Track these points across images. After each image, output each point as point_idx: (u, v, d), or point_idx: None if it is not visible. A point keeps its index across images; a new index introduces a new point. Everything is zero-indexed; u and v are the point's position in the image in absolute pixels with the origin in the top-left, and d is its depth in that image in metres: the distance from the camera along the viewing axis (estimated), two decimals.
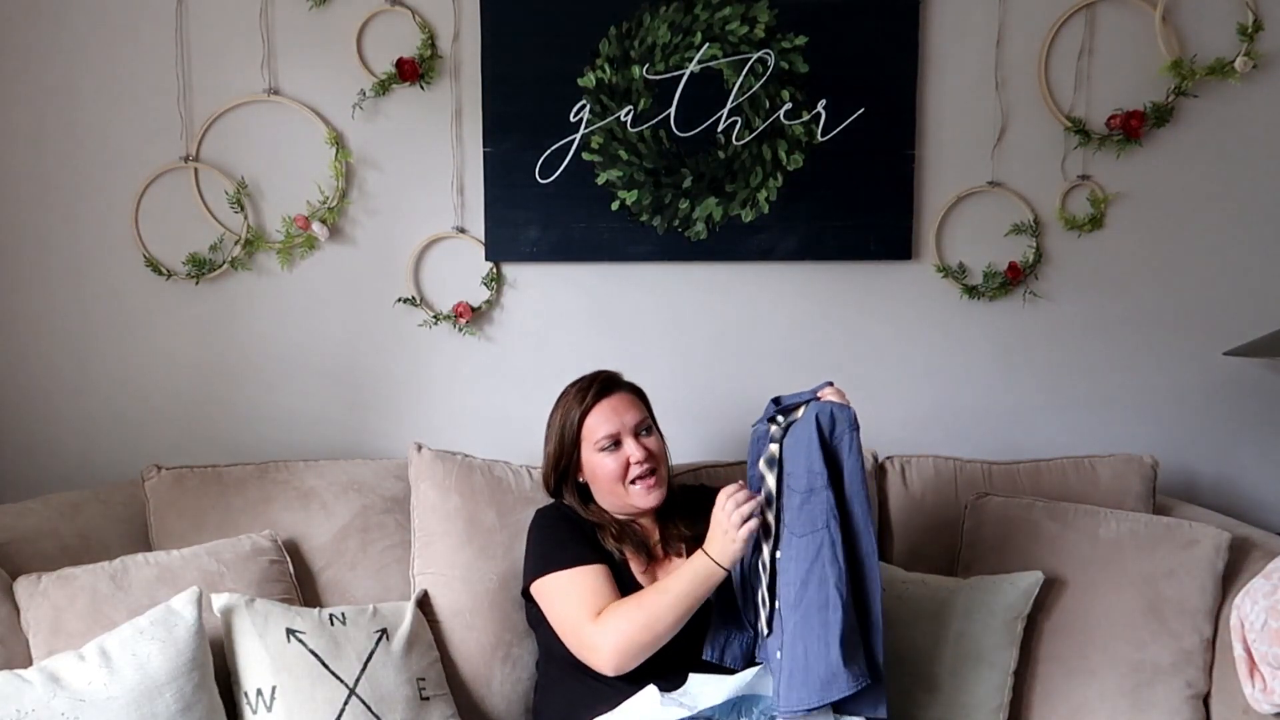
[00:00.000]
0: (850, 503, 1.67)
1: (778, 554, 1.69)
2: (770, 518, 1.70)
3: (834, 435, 1.67)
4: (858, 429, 1.68)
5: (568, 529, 1.92)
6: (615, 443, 1.88)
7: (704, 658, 1.77)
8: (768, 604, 1.71)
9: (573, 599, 1.81)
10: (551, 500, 2.03)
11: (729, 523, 1.67)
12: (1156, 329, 2.51)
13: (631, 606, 1.75)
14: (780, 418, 1.76)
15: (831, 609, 1.61)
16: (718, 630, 1.80)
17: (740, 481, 1.73)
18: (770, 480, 1.71)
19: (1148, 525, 2.05)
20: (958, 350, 2.51)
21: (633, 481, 1.87)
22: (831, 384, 1.76)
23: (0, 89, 2.33)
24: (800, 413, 1.72)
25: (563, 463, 1.95)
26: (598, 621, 1.76)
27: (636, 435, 1.89)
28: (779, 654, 1.67)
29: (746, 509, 1.67)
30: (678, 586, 1.72)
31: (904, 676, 1.91)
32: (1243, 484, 2.55)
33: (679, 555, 1.90)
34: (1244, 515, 2.39)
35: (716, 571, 1.70)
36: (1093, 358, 2.51)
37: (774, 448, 1.72)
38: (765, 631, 1.72)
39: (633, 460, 1.87)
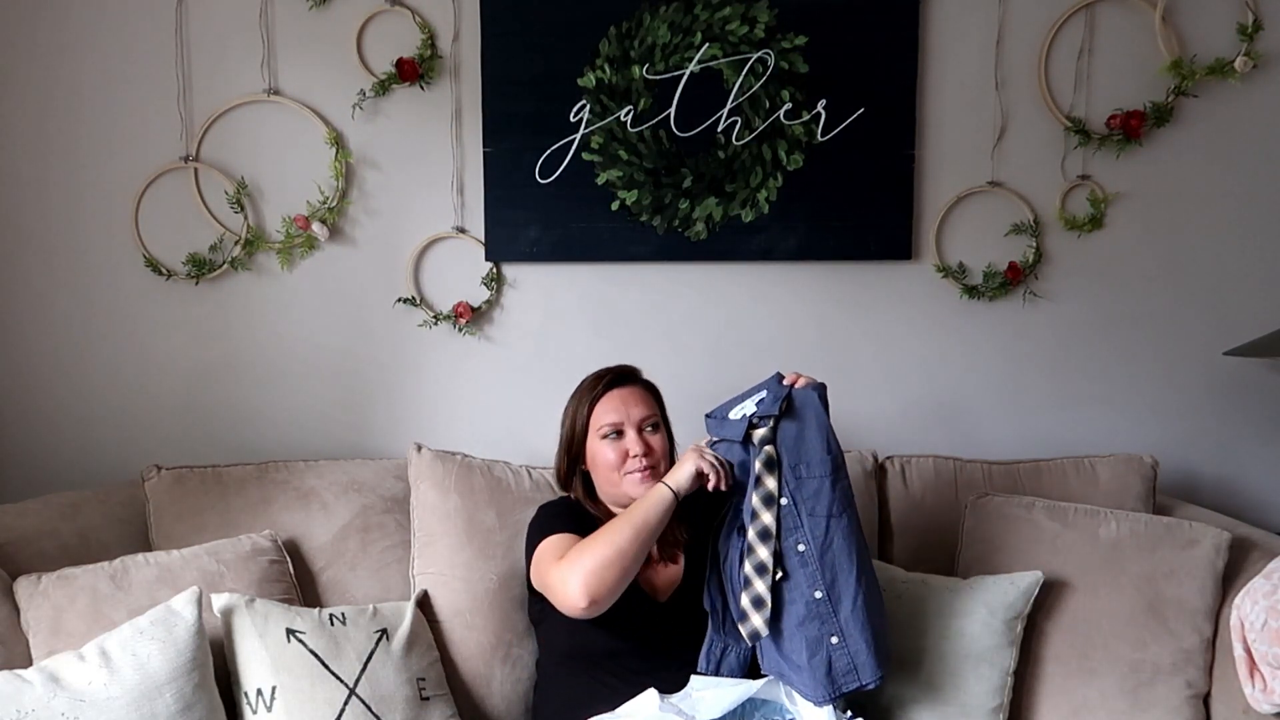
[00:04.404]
0: None
1: (800, 547, 1.73)
2: (769, 519, 1.72)
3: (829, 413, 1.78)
4: None
5: (567, 514, 1.94)
6: (618, 432, 1.90)
7: (698, 670, 1.78)
8: (768, 603, 1.72)
9: (553, 556, 1.83)
10: (556, 496, 2.04)
11: (690, 454, 1.77)
12: (1156, 329, 2.51)
13: (591, 537, 1.78)
14: (756, 421, 1.77)
15: (875, 574, 1.79)
16: (713, 643, 1.81)
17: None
18: (770, 483, 1.73)
19: (1148, 525, 2.05)
20: (958, 350, 2.51)
21: (628, 472, 1.89)
22: (782, 374, 1.82)
23: (0, 89, 2.33)
24: (785, 407, 1.76)
25: (573, 449, 1.97)
26: (564, 559, 1.78)
27: (640, 430, 1.90)
28: (834, 639, 1.71)
29: (710, 452, 1.76)
30: (634, 509, 1.77)
31: (904, 676, 1.91)
32: (1243, 484, 2.54)
33: (674, 561, 1.91)
34: (1244, 515, 2.38)
35: (666, 493, 1.76)
36: (1093, 358, 2.51)
37: (770, 450, 1.73)
38: (764, 631, 1.72)
39: (631, 453, 1.88)
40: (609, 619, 1.82)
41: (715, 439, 1.82)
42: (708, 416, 1.84)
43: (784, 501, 1.73)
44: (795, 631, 1.72)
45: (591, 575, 1.72)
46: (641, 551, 1.74)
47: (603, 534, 1.76)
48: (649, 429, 1.91)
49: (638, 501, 1.78)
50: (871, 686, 1.73)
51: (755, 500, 1.73)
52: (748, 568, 1.73)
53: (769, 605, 1.72)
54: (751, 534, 1.73)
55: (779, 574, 1.73)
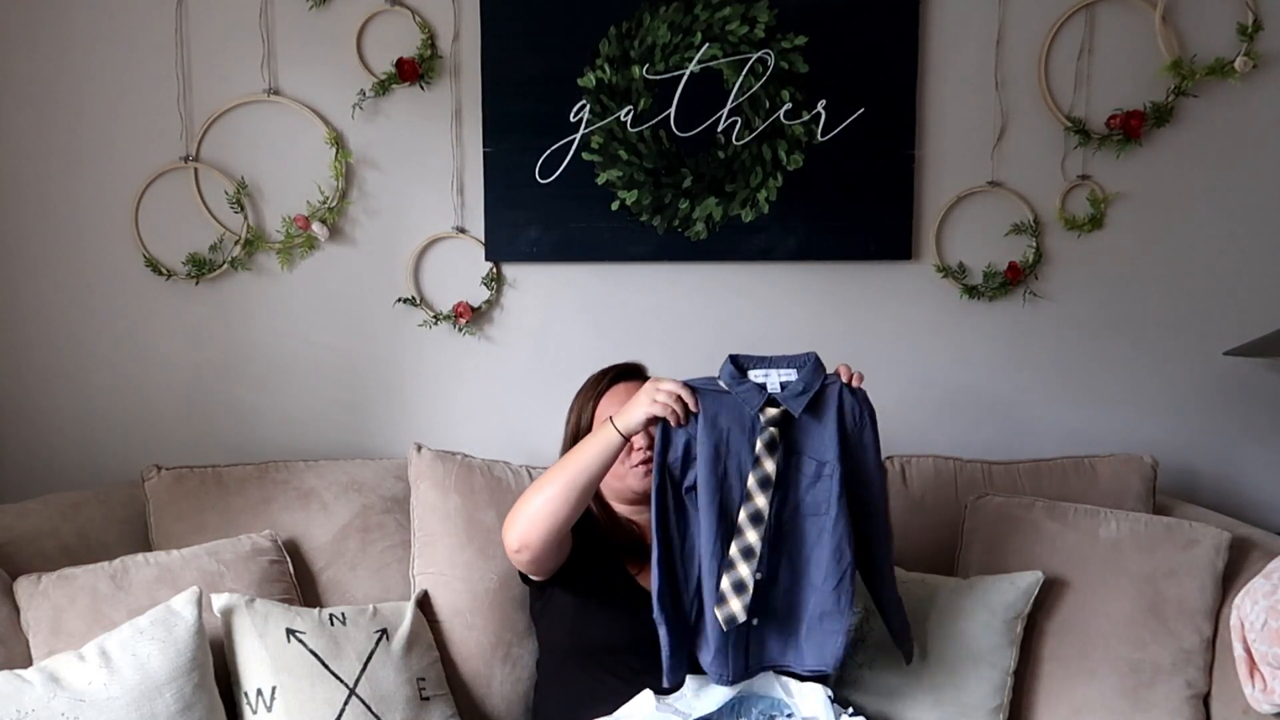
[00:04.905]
0: (864, 489, 1.71)
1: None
2: (763, 503, 1.66)
3: (859, 420, 1.70)
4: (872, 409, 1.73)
5: None
6: None
7: (663, 689, 1.73)
8: (750, 588, 1.65)
9: None
10: None
11: (642, 394, 1.67)
12: (1156, 329, 2.51)
13: (532, 483, 1.75)
14: (775, 399, 1.70)
15: (842, 585, 1.68)
16: (673, 653, 1.73)
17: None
18: (769, 465, 1.67)
19: (1148, 525, 2.05)
20: (958, 350, 2.51)
21: (633, 465, 1.87)
22: (819, 357, 1.73)
23: (0, 89, 2.33)
24: (812, 397, 1.69)
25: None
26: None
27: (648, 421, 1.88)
28: (755, 620, 1.68)
29: (668, 387, 1.66)
30: (574, 451, 1.72)
31: (904, 676, 1.91)
32: (1243, 484, 2.54)
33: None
34: (1244, 515, 2.38)
35: (612, 435, 1.68)
36: (1093, 357, 2.51)
37: (774, 431, 1.67)
38: (741, 618, 1.65)
39: (635, 445, 1.85)
40: (609, 616, 1.82)
41: (718, 381, 1.72)
42: (731, 357, 1.73)
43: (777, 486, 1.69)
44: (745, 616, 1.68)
45: (522, 519, 1.71)
46: (575, 494, 1.68)
47: (540, 478, 1.73)
48: (652, 422, 1.89)
49: (581, 442, 1.74)
50: (777, 667, 1.72)
51: (752, 481, 1.67)
52: (734, 550, 1.66)
53: (750, 591, 1.65)
54: (743, 515, 1.66)
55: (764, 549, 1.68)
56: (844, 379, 1.71)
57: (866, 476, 1.71)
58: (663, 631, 1.68)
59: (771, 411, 1.68)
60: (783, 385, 1.71)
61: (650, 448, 1.77)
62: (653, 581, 1.68)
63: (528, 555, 1.73)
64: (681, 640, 1.71)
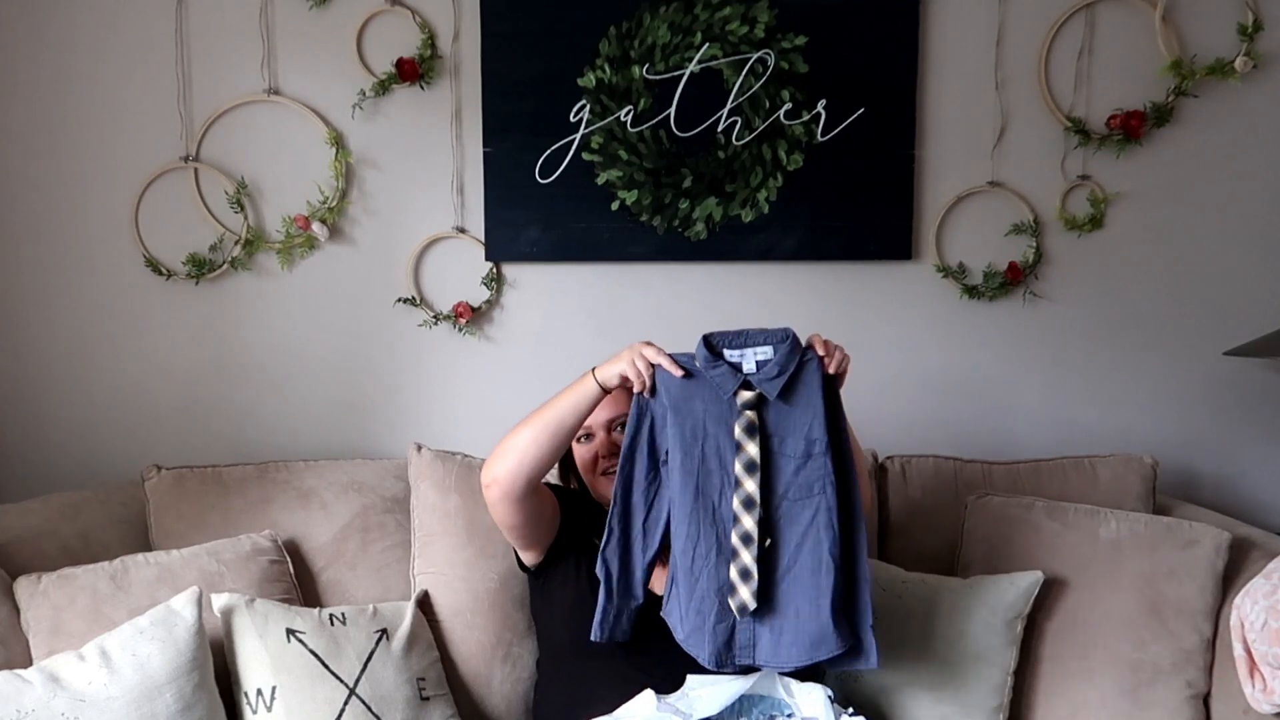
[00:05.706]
0: (844, 463, 1.70)
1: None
2: (752, 487, 1.65)
3: (835, 394, 1.70)
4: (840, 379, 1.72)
5: (561, 489, 1.98)
6: (589, 435, 1.92)
7: (593, 638, 1.74)
8: (755, 575, 1.64)
9: None
10: None
11: (626, 352, 1.69)
12: (1156, 329, 2.51)
13: None
14: (751, 381, 1.68)
15: (825, 572, 1.65)
16: (606, 611, 1.74)
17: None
18: (752, 449, 1.66)
19: (1148, 525, 2.05)
20: (958, 350, 2.51)
21: (603, 473, 1.91)
22: (795, 334, 1.70)
23: (1, 89, 2.33)
24: (790, 377, 1.67)
25: (566, 455, 1.99)
26: None
27: (609, 430, 1.91)
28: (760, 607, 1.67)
29: (653, 353, 1.68)
30: (554, 397, 1.74)
31: (904, 675, 1.91)
32: (1243, 484, 2.54)
33: (665, 565, 1.90)
34: (1244, 515, 2.38)
35: (590, 385, 1.71)
36: (1093, 358, 2.51)
37: (751, 414, 1.66)
38: (752, 605, 1.65)
39: (599, 454, 1.91)
40: None
41: (695, 361, 1.68)
42: (705, 338, 1.69)
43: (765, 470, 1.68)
44: (714, 595, 1.67)
45: (495, 456, 1.75)
46: (547, 435, 1.72)
47: (520, 421, 1.76)
48: (619, 429, 1.90)
49: (563, 389, 1.75)
50: (765, 667, 1.69)
51: (739, 467, 1.66)
52: (735, 539, 1.66)
53: (756, 578, 1.65)
54: (736, 502, 1.66)
55: (767, 541, 1.66)
56: (820, 352, 1.69)
57: (845, 451, 1.71)
58: (602, 580, 1.71)
59: (746, 395, 1.66)
60: (759, 365, 1.68)
61: (609, 456, 1.85)
62: (604, 538, 1.71)
63: (497, 492, 1.76)
64: (621, 601, 1.73)
